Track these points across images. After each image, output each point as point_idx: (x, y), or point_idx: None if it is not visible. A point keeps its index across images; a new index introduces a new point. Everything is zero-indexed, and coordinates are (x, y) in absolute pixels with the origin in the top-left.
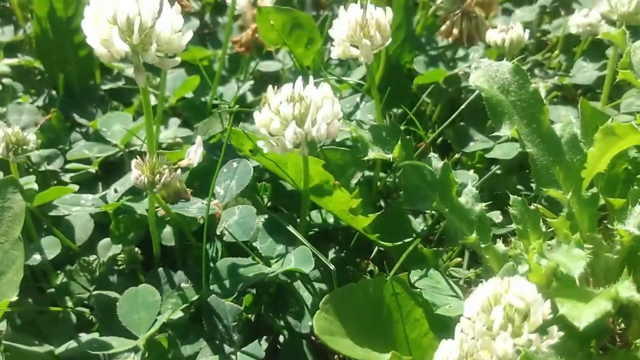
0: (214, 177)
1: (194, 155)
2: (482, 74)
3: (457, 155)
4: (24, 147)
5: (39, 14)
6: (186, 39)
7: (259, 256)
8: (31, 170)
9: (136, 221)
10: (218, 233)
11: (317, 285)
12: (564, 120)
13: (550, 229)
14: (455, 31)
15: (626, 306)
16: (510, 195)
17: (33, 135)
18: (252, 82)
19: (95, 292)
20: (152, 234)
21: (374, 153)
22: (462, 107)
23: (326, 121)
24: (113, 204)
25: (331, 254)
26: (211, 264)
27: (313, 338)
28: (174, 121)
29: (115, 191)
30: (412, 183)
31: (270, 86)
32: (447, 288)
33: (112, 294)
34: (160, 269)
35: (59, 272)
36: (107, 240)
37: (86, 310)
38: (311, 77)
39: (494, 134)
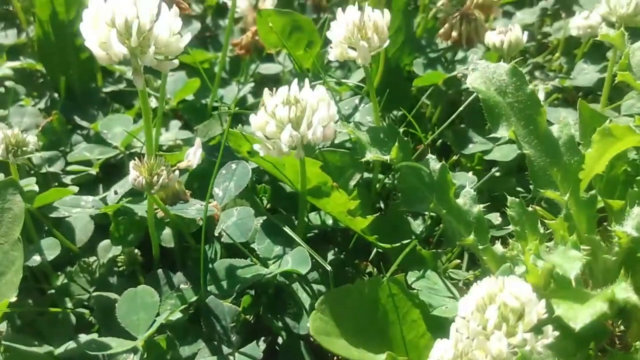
0: (213, 178)
1: (193, 157)
2: (480, 75)
3: (455, 157)
4: (24, 148)
5: (41, 17)
6: (184, 41)
7: (256, 257)
8: (32, 172)
9: (136, 223)
10: (216, 234)
11: (315, 286)
12: (562, 122)
13: (549, 231)
14: (454, 34)
15: (625, 308)
16: (508, 197)
17: (33, 136)
18: (252, 84)
19: (95, 294)
20: (151, 236)
21: (372, 154)
22: (461, 109)
23: (322, 124)
24: (113, 205)
25: (330, 256)
26: (210, 265)
27: (311, 339)
28: (175, 123)
29: (115, 193)
30: (409, 184)
31: (266, 89)
32: (445, 289)
33: (112, 295)
34: (160, 271)
35: (59, 273)
36: (107, 241)
37: (86, 311)
38: (307, 80)
39: (493, 136)
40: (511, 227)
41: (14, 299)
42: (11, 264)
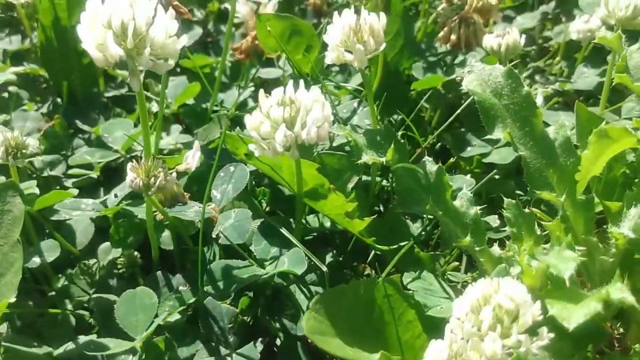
0: (210, 180)
1: (192, 159)
2: (475, 77)
3: (452, 160)
4: (23, 151)
5: (44, 22)
6: (181, 43)
7: (253, 259)
8: (34, 176)
9: (135, 225)
10: (214, 236)
11: (313, 288)
12: (558, 123)
13: (546, 232)
14: (453, 37)
15: (625, 310)
16: (505, 199)
17: (32, 139)
18: (252, 88)
19: (95, 296)
20: (150, 238)
21: (368, 156)
22: (458, 111)
23: (316, 124)
24: (113, 208)
25: (328, 258)
26: (208, 267)
27: (309, 341)
28: (176, 128)
29: (116, 196)
30: (406, 186)
31: (261, 90)
32: (440, 290)
33: (112, 297)
34: (159, 273)
35: (60, 275)
36: (107, 244)
37: (86, 313)
38: (301, 81)
39: (492, 139)
40: (508, 229)
41: (13, 299)
42: (10, 266)
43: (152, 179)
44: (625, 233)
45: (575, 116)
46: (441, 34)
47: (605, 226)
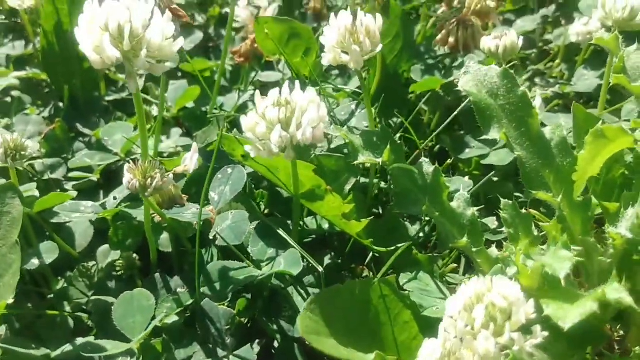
0: (206, 182)
1: (190, 162)
2: (472, 78)
3: (450, 161)
4: (22, 152)
5: (46, 27)
6: (177, 45)
7: (250, 260)
8: (35, 179)
9: (134, 228)
10: (211, 237)
11: (311, 290)
12: (554, 124)
13: (543, 233)
14: (451, 39)
15: (625, 312)
16: (502, 200)
17: (32, 142)
18: (252, 92)
19: (93, 298)
20: (149, 240)
21: (364, 157)
22: (455, 113)
23: (311, 125)
24: (111, 210)
25: (327, 260)
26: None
27: (306, 343)
28: (176, 131)
29: (115, 198)
30: (402, 187)
31: (257, 91)
32: (437, 291)
33: (110, 299)
34: (157, 275)
35: (59, 278)
36: (106, 246)
37: (84, 315)
38: (297, 82)
39: (490, 140)
40: (505, 230)
41: (11, 301)
42: (9, 267)
43: (149, 180)
44: (623, 233)
45: (572, 117)
46: (439, 36)
47: (603, 227)
